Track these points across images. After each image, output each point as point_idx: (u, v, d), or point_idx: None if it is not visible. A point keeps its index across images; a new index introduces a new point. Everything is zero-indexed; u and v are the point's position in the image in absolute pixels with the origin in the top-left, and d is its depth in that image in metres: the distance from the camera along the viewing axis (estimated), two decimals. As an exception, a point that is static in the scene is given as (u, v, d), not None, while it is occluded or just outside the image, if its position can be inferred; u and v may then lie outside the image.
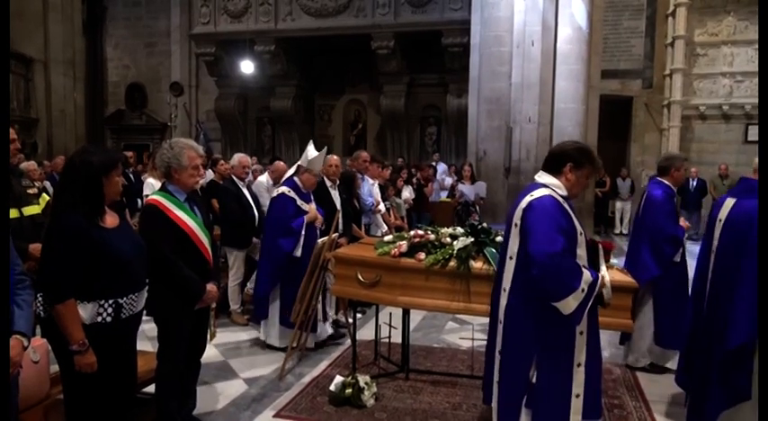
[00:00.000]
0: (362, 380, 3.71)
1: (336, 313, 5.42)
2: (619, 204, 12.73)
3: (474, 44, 9.85)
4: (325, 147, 4.96)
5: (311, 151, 4.71)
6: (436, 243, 3.71)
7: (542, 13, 8.86)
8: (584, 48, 9.08)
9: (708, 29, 12.43)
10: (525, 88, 8.96)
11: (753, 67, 12.05)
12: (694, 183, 11.81)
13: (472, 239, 3.66)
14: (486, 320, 4.76)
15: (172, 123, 16.35)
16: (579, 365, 2.55)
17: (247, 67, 13.89)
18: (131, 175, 8.83)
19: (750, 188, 2.91)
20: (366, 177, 6.36)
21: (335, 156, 5.68)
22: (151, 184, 5.91)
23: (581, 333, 2.55)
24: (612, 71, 12.79)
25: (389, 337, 4.34)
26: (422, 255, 3.62)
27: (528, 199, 2.58)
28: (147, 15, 16.43)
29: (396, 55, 13.37)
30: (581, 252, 2.54)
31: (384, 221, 6.69)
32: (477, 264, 3.53)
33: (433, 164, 11.89)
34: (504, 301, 2.65)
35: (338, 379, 3.75)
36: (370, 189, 6.37)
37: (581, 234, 2.57)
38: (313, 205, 4.76)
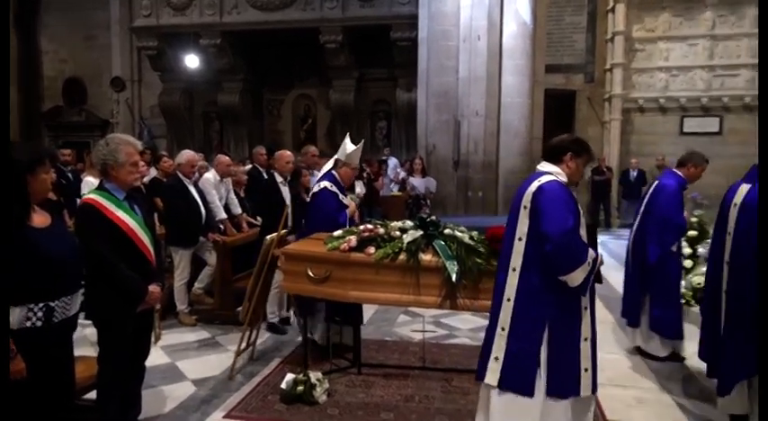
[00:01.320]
0: (314, 376, 3.69)
1: (288, 310, 5.37)
2: (565, 195, 13.08)
3: (422, 38, 9.92)
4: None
5: (349, 145, 4.58)
6: (386, 237, 3.72)
7: (488, 8, 9.00)
8: (529, 43, 9.28)
9: (645, 25, 12.89)
10: (472, 82, 9.09)
11: (687, 61, 12.60)
12: (635, 174, 12.26)
13: (421, 232, 3.69)
14: (437, 312, 4.84)
15: (114, 120, 15.78)
16: (586, 340, 2.76)
17: (192, 61, 13.54)
18: (70, 174, 8.46)
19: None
20: (315, 172, 6.29)
21: (289, 152, 5.61)
22: (90, 183, 5.68)
23: (585, 308, 2.77)
24: (556, 66, 13.11)
25: (341, 332, 4.32)
26: (371, 250, 3.63)
27: (537, 184, 2.78)
28: (86, 6, 15.74)
29: (344, 49, 13.30)
30: (582, 232, 2.79)
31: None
32: (426, 257, 3.56)
33: (384, 158, 11.91)
34: (515, 280, 2.79)
35: (289, 376, 3.71)
36: (320, 184, 6.30)
37: (582, 216, 2.81)
38: (350, 199, 4.72)
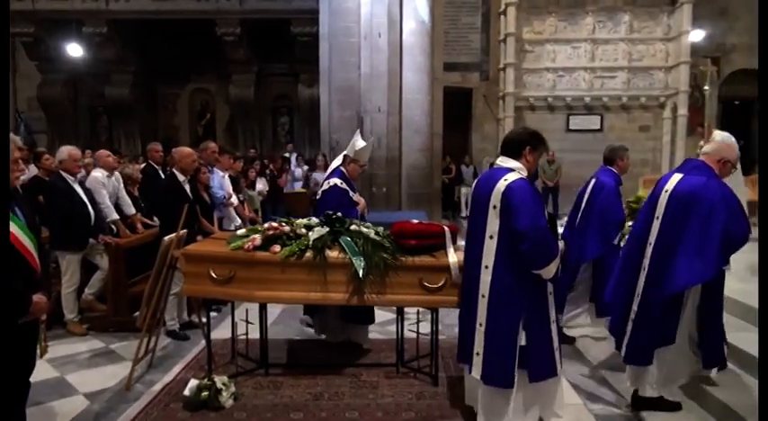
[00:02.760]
0: (219, 380, 3.57)
1: (189, 315, 5.16)
2: (464, 190, 13.57)
3: (323, 34, 9.85)
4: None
5: (359, 141, 4.46)
6: (291, 234, 3.68)
7: (387, 5, 9.11)
8: (428, 41, 9.50)
9: (534, 27, 13.63)
10: (374, 78, 9.17)
11: (571, 62, 13.49)
12: (527, 168, 12.97)
13: (327, 229, 3.69)
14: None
15: (-17, 113, 14.30)
16: (553, 322, 2.99)
17: (75, 50, 12.59)
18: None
19: (694, 166, 3.45)
20: (216, 169, 6.09)
21: (190, 149, 5.38)
22: (-43, 183, 5.11)
23: (550, 293, 2.99)
24: (454, 64, 13.54)
25: (247, 334, 4.21)
26: (277, 248, 3.58)
27: (504, 182, 2.90)
28: (-56, -13, 14.13)
29: (243, 43, 12.98)
30: None
31: (238, 214, 6.48)
32: (332, 254, 3.57)
33: (287, 154, 11.75)
34: (487, 277, 2.93)
35: (193, 382, 3.56)
36: (221, 181, 6.12)
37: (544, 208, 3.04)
38: (357, 194, 4.60)
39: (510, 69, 13.26)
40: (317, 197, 4.58)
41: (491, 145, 14.17)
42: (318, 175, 9.42)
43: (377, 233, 3.72)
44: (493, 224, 2.93)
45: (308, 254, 3.54)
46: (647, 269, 3.42)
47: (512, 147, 3.06)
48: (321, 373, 4.06)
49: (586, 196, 4.81)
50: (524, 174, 2.98)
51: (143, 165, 7.05)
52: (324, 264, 3.52)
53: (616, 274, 3.78)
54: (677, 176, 3.46)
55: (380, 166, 9.44)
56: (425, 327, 4.09)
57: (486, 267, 2.94)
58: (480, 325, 2.95)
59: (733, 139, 3.49)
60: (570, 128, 13.63)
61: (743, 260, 3.64)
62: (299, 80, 13.54)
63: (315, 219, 3.87)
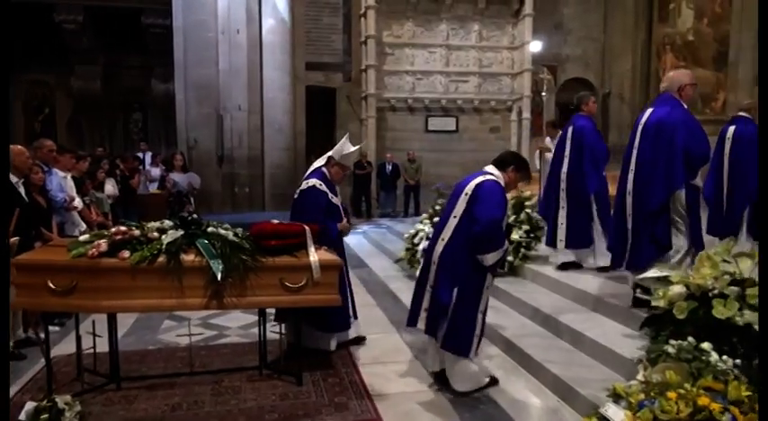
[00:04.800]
0: (62, 400, 3.26)
1: (26, 331, 4.65)
2: (329, 189, 13.66)
3: (177, 27, 9.39)
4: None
5: (347, 145, 4.44)
6: (142, 239, 3.47)
7: (246, 1, 8.92)
8: (288, 39, 9.48)
9: (393, 31, 14.09)
10: (233, 75, 8.96)
11: (428, 66, 14.14)
12: (390, 167, 13.37)
13: (182, 232, 3.53)
14: (205, 313, 4.71)
15: None
16: (481, 312, 3.54)
17: None
18: None
19: (663, 100, 3.94)
20: (54, 170, 5.57)
21: (21, 147, 4.85)
22: None
23: (487, 287, 3.56)
24: (317, 64, 13.56)
25: (94, 347, 3.90)
26: (126, 253, 3.35)
27: (481, 178, 3.54)
28: None
29: (87, 31, 11.94)
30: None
31: (83, 219, 5.97)
32: (188, 257, 3.42)
33: (140, 154, 11.02)
34: (440, 248, 3.54)
35: (29, 405, 3.22)
36: (61, 183, 5.60)
37: (506, 216, 3.57)
38: (338, 198, 4.47)
39: (371, 71, 13.58)
40: (295, 197, 4.39)
41: (355, 144, 14.40)
42: (176, 176, 8.96)
43: (236, 234, 3.64)
44: (460, 207, 3.52)
45: (161, 258, 3.36)
46: (631, 193, 3.91)
47: (502, 161, 3.68)
48: (179, 383, 3.89)
49: (568, 143, 5.26)
50: (501, 182, 3.56)
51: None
52: (179, 268, 3.37)
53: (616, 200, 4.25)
54: (649, 110, 4.01)
55: (242, 166, 9.25)
56: (288, 328, 4.07)
57: (443, 240, 3.54)
58: (431, 287, 3.56)
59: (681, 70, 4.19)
60: (429, 128, 14.28)
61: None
62: (153, 74, 12.77)
63: (168, 222, 3.69)
